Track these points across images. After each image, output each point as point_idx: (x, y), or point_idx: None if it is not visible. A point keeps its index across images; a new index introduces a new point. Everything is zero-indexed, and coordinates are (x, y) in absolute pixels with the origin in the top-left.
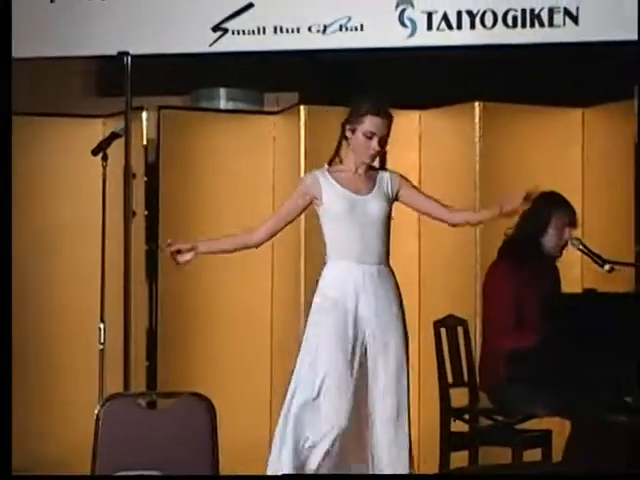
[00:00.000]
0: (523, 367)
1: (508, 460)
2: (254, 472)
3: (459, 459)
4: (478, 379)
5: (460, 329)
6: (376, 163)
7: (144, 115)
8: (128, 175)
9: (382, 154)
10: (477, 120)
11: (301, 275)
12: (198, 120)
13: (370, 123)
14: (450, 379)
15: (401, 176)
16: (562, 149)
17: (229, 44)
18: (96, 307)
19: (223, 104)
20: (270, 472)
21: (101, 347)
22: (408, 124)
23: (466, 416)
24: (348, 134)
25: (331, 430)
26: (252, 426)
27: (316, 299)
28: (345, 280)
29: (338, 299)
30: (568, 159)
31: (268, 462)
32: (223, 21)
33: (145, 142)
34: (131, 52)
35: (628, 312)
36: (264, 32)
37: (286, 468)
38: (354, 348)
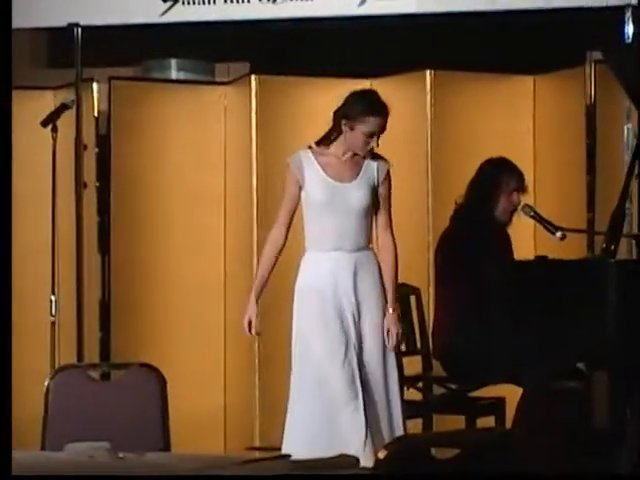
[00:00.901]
0: (475, 335)
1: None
2: (206, 443)
3: (413, 427)
4: (431, 347)
5: (413, 298)
6: None
7: (95, 86)
8: (79, 147)
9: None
10: (428, 88)
11: (254, 245)
12: (149, 91)
13: (372, 124)
14: (403, 347)
15: (388, 171)
16: (513, 116)
17: (180, 14)
18: (48, 279)
19: (174, 74)
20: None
21: (53, 319)
22: None
23: (420, 384)
24: (345, 129)
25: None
26: (206, 397)
27: (298, 290)
28: (326, 271)
29: (319, 289)
30: (519, 126)
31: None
32: None
33: (96, 113)
34: (81, 23)
35: (580, 279)
36: (214, 2)
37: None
38: (342, 335)
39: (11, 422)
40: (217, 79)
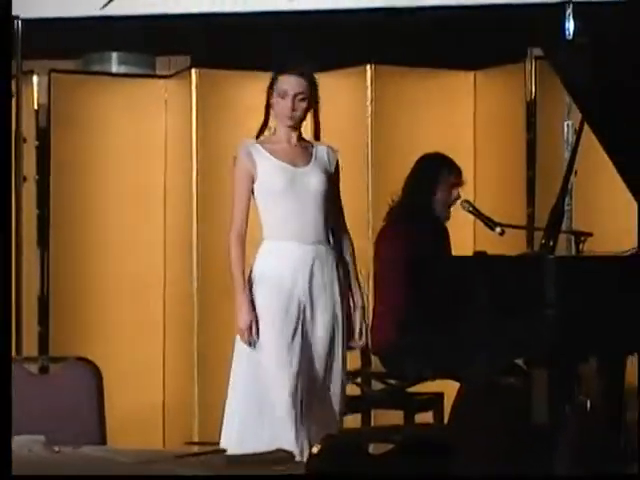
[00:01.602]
0: (414, 330)
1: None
2: (145, 438)
3: (352, 422)
4: (370, 343)
5: None
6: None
7: (35, 79)
8: (19, 139)
9: (315, 125)
10: (369, 83)
11: (193, 239)
12: (90, 84)
13: (282, 81)
14: None
15: (338, 158)
16: (454, 112)
17: (121, 7)
18: None
19: (115, 68)
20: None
21: None
22: None
23: (358, 379)
24: (271, 100)
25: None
26: (145, 392)
27: (253, 280)
28: (284, 262)
29: (277, 282)
30: (460, 122)
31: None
32: None
33: (36, 106)
34: (21, 16)
35: (519, 275)
36: None
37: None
38: (295, 331)
39: (11, 422)
40: (158, 72)
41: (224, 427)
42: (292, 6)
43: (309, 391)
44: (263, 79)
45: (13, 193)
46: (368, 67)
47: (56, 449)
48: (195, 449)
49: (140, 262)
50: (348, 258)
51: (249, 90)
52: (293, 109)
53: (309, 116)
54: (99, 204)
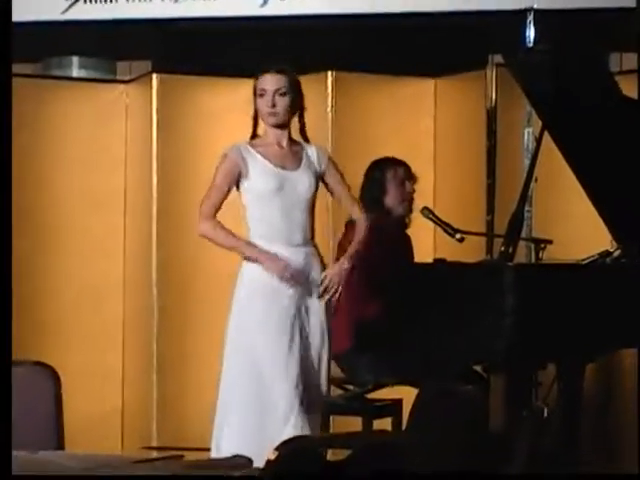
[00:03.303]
0: (372, 336)
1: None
2: (103, 443)
3: None
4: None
5: None
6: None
7: None
8: None
9: (301, 125)
10: (329, 90)
11: (152, 244)
12: (50, 88)
13: (261, 81)
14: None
15: (330, 157)
16: (414, 119)
17: (81, 12)
18: None
19: (75, 72)
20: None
21: None
22: None
23: None
24: (255, 104)
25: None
26: (103, 397)
27: (240, 287)
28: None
29: (268, 284)
30: (420, 129)
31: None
32: None
33: None
34: None
35: (477, 281)
36: (117, 0)
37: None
38: (292, 334)
39: (11, 422)
40: (118, 77)
41: (218, 431)
42: (259, 11)
43: (306, 392)
44: (223, 84)
45: None
46: (329, 73)
47: (13, 453)
48: (154, 454)
49: (99, 267)
50: (361, 234)
51: (210, 95)
52: (273, 105)
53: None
54: (58, 209)
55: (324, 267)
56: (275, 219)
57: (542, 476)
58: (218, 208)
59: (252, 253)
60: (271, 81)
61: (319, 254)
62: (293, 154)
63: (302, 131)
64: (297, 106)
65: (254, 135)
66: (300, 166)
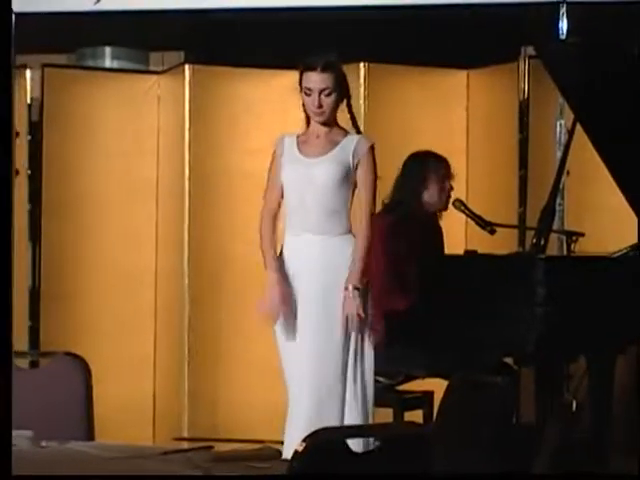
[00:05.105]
0: (404, 328)
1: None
2: (134, 433)
3: None
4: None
5: None
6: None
7: (28, 73)
8: (11, 133)
9: (350, 115)
10: (362, 81)
11: (184, 234)
12: (82, 79)
13: (306, 79)
14: None
15: (371, 146)
16: (446, 111)
17: (114, 2)
18: None
19: (108, 63)
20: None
21: None
22: (292, 84)
23: None
24: (301, 97)
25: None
26: (136, 387)
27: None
28: (291, 257)
29: (285, 279)
30: (452, 121)
31: None
32: None
33: (29, 100)
34: (14, 10)
35: (509, 274)
36: None
37: None
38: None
39: (11, 422)
40: (151, 68)
41: (295, 417)
42: (292, 2)
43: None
44: (256, 75)
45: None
46: (361, 65)
47: (43, 444)
48: (184, 445)
49: (131, 257)
50: (360, 244)
51: (242, 86)
52: (319, 106)
53: None
54: (91, 199)
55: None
56: (293, 207)
57: (542, 476)
58: (277, 195)
59: (267, 268)
60: (317, 80)
61: (343, 244)
62: (327, 143)
63: (353, 122)
64: (343, 97)
65: (307, 123)
66: (326, 154)
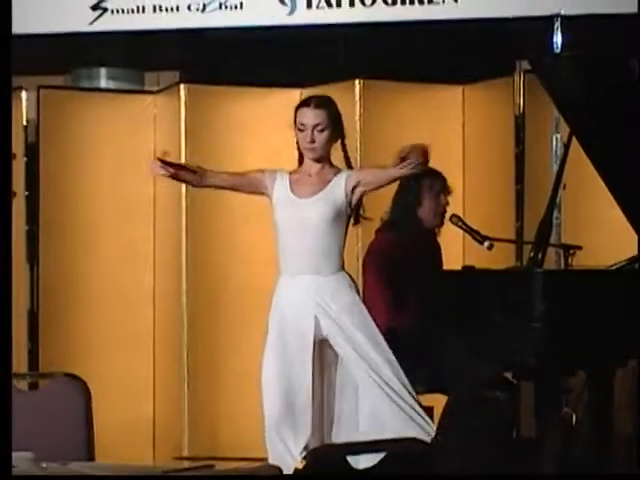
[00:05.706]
0: (402, 344)
1: None
2: (135, 453)
3: None
4: None
5: None
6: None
7: (24, 95)
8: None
9: (344, 154)
10: (357, 98)
11: (182, 254)
12: (78, 100)
13: (300, 115)
14: None
15: (361, 167)
16: (442, 126)
17: (109, 23)
18: None
19: (103, 83)
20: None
21: None
22: (288, 102)
23: None
24: (295, 134)
25: None
26: (135, 408)
27: (270, 318)
28: (286, 300)
29: (280, 321)
30: (448, 136)
31: None
32: (102, 0)
33: (25, 122)
34: None
35: (507, 288)
36: (143, 11)
37: None
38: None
39: (11, 422)
40: (146, 88)
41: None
42: (286, 21)
43: None
44: (251, 94)
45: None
46: (357, 82)
47: (43, 465)
48: (185, 464)
49: (130, 278)
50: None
51: (237, 105)
52: (311, 141)
53: None
54: (88, 219)
55: (358, 292)
56: (287, 248)
57: (542, 476)
58: (230, 175)
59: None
60: (310, 116)
61: (349, 280)
62: (319, 181)
63: (346, 160)
64: (337, 136)
65: (300, 162)
66: (317, 193)
